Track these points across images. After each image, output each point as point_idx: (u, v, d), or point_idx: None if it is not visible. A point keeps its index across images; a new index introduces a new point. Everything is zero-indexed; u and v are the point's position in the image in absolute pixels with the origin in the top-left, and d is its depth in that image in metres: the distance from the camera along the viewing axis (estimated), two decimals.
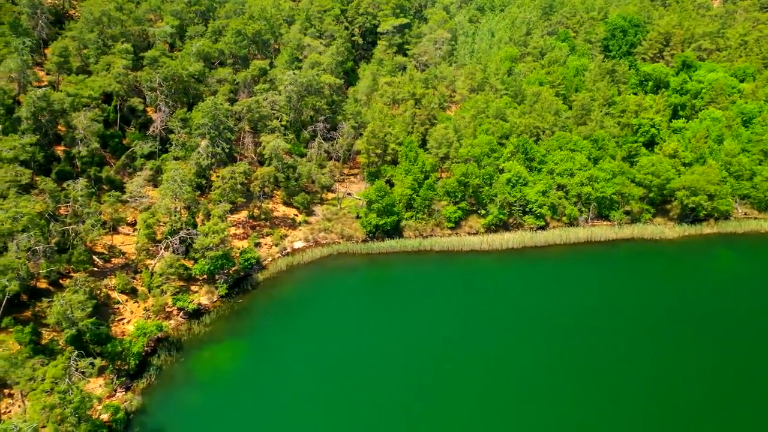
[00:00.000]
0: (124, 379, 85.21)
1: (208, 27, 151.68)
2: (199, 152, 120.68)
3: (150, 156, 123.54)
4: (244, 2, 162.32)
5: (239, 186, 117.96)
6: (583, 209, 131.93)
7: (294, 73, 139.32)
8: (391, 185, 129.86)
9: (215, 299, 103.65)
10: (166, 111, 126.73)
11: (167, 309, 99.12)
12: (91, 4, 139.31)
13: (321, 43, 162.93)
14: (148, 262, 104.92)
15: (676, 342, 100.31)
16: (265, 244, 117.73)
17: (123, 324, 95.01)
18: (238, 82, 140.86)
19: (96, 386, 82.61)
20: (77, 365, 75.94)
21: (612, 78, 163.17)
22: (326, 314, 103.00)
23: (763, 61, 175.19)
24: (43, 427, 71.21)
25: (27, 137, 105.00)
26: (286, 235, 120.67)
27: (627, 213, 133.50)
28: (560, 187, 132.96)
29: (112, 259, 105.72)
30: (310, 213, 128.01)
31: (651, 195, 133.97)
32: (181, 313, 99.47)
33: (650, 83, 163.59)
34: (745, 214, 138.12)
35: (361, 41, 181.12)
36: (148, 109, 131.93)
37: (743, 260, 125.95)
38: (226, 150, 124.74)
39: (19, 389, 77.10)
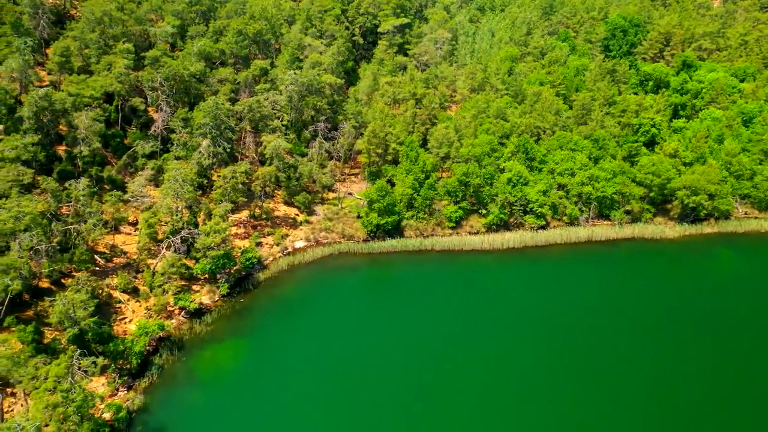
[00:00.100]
0: (126, 378, 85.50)
1: (209, 27, 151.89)
2: (200, 152, 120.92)
3: (151, 156, 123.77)
4: (245, 2, 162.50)
5: (240, 186, 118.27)
6: (584, 209, 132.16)
7: (295, 73, 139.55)
8: (392, 185, 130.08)
9: (217, 299, 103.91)
10: (168, 111, 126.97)
11: (169, 308, 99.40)
12: (93, 4, 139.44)
13: (322, 42, 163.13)
14: (149, 261, 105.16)
15: (676, 342, 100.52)
16: (267, 244, 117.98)
17: (125, 323, 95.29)
18: (239, 82, 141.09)
19: (98, 385, 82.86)
20: (80, 364, 76.22)
21: (612, 78, 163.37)
22: (327, 314, 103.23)
23: (763, 60, 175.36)
24: (46, 425, 71.40)
25: (29, 137, 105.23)
26: (287, 235, 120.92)
27: (627, 212, 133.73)
28: (561, 186, 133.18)
29: (114, 259, 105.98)
30: (311, 213, 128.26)
31: (651, 194, 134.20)
32: (182, 313, 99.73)
33: (651, 83, 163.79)
34: (746, 213, 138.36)
35: (361, 41, 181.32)
36: (150, 108, 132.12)
37: (744, 260, 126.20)
38: (228, 150, 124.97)
39: (21, 388, 77.36)
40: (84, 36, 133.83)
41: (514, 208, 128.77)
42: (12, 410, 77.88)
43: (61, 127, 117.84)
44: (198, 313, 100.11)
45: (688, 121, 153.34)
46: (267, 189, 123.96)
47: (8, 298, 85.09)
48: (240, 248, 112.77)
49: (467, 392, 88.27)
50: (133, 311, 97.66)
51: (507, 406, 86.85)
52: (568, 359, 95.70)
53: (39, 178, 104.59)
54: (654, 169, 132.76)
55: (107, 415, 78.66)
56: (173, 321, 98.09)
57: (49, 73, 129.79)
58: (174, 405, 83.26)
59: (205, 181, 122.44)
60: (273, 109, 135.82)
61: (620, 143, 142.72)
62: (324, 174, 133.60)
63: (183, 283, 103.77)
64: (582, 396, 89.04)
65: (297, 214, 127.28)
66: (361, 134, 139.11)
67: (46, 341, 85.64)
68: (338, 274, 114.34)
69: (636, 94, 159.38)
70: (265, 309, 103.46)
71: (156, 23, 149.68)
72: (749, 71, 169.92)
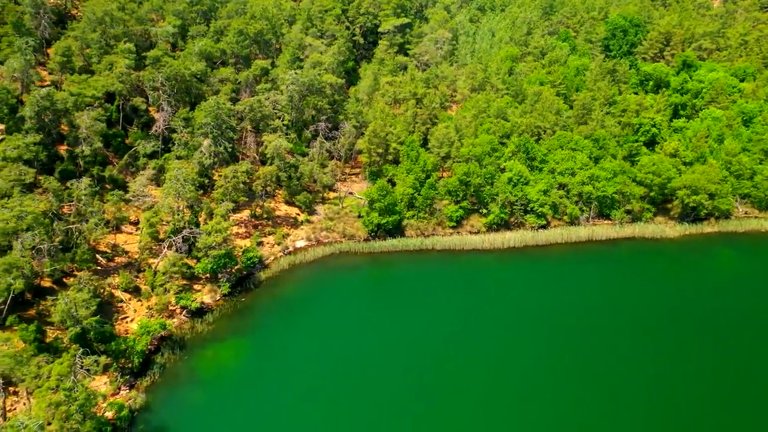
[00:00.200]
0: (128, 377, 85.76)
1: (210, 27, 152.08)
2: (201, 151, 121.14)
3: (153, 155, 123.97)
4: (246, 2, 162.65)
5: (241, 185, 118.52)
6: (584, 208, 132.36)
7: (296, 73, 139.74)
8: (393, 184, 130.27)
9: (218, 298, 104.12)
10: (169, 110, 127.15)
11: (170, 307, 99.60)
12: (94, 4, 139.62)
13: (322, 42, 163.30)
14: (151, 260, 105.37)
15: (677, 341, 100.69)
16: (268, 243, 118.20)
17: (127, 322, 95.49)
18: (240, 82, 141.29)
19: (100, 384, 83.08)
20: (82, 363, 76.42)
21: (613, 77, 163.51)
22: (328, 313, 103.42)
23: (763, 60, 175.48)
24: (49, 424, 71.60)
25: (30, 136, 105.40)
26: (288, 234, 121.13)
27: (628, 212, 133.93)
28: (561, 186, 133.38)
29: (116, 258, 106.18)
30: (312, 212, 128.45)
31: (652, 194, 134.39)
32: (184, 312, 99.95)
33: (651, 83, 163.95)
34: (746, 213, 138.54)
35: (362, 41, 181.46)
36: (151, 108, 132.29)
37: (744, 259, 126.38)
38: (229, 149, 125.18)
39: (24, 387, 77.61)
40: (85, 36, 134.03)
41: (514, 207, 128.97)
42: (15, 409, 78.09)
43: (62, 126, 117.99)
44: (199, 313, 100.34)
45: (688, 121, 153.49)
46: (268, 188, 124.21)
47: (10, 297, 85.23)
48: (241, 248, 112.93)
49: (468, 392, 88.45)
50: (135, 310, 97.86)
51: (508, 405, 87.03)
52: (569, 359, 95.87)
53: (41, 178, 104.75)
54: (654, 169, 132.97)
55: (109, 414, 78.87)
56: (175, 320, 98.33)
57: (50, 73, 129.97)
58: (176, 404, 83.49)
59: (207, 181, 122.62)
60: (274, 108, 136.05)
61: (620, 143, 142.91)
62: (325, 173, 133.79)
63: (184, 282, 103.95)
64: (583, 395, 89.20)
65: (298, 214, 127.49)
66: (362, 134, 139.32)
67: (48, 340, 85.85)
68: (339, 274, 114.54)
69: (636, 93, 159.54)
70: (267, 308, 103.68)
71: (157, 23, 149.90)
72: (749, 71, 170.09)
